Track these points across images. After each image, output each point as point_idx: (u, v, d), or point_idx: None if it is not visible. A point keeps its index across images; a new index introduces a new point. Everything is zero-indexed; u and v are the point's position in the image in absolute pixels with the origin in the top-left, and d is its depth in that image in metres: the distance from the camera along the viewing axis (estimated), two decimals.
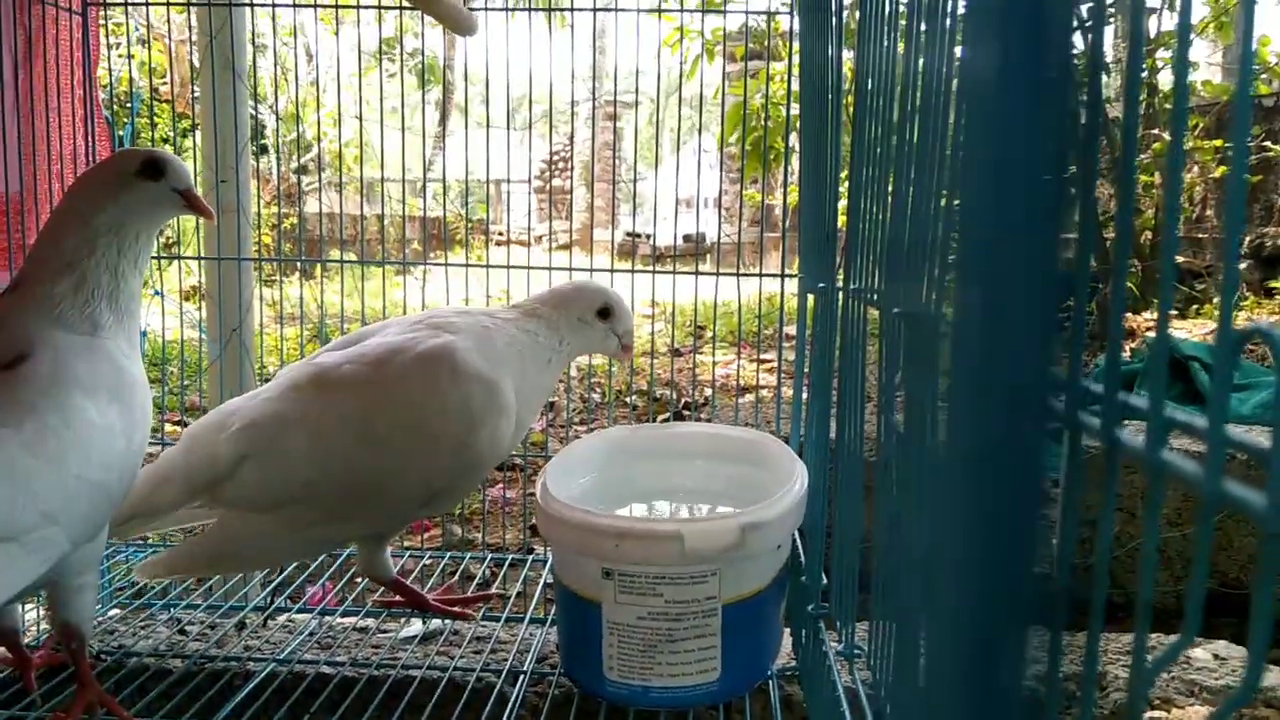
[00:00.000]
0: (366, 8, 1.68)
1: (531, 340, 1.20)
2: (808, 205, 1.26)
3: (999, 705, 0.34)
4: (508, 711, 1.09)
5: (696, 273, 1.71)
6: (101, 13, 1.46)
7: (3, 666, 1.10)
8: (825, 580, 1.01)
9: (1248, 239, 6.17)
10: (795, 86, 1.45)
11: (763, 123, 3.66)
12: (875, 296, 0.77)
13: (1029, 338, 0.32)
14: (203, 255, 1.81)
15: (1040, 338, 0.33)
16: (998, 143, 0.33)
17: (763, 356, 4.32)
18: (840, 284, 0.96)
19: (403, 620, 1.38)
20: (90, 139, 1.38)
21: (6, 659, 1.08)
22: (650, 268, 1.83)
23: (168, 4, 1.61)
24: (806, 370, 1.24)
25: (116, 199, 0.98)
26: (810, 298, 1.20)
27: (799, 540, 1.13)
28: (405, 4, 1.28)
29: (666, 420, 3.56)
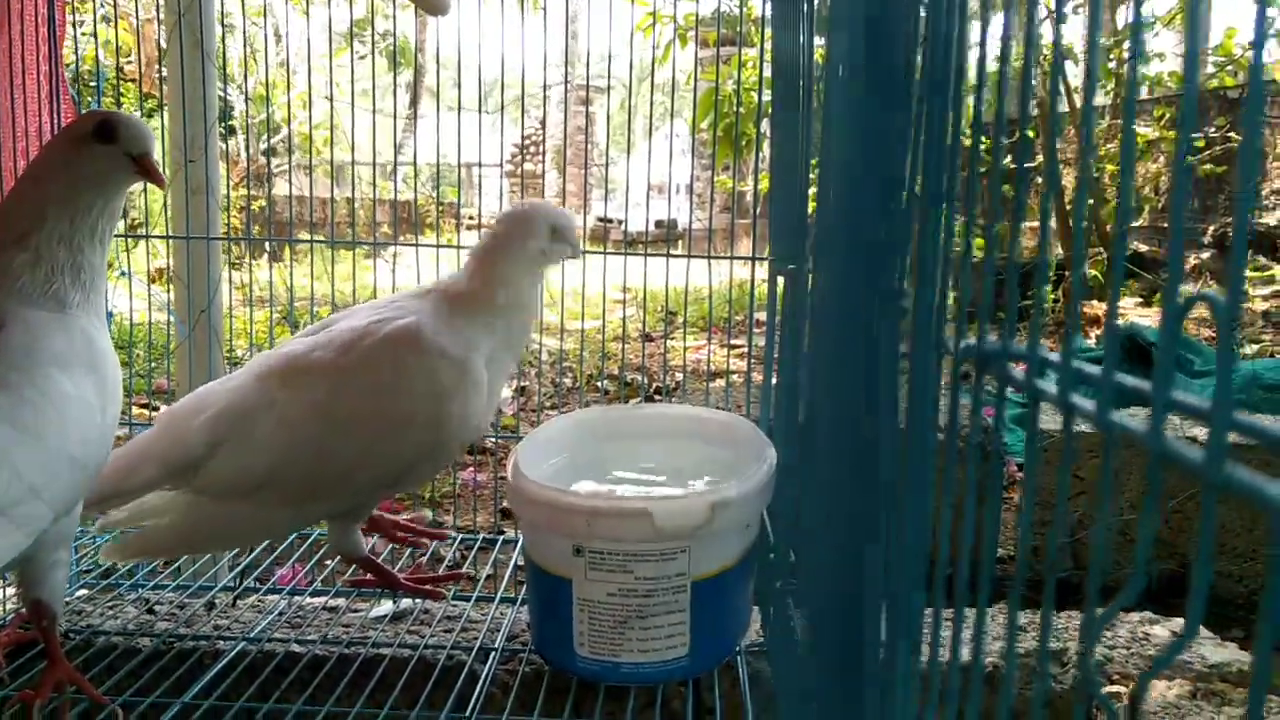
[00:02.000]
0: None
1: (496, 310, 1.18)
2: (778, 189, 1.27)
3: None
4: (478, 689, 1.10)
5: (668, 255, 1.72)
6: None
7: None
8: (793, 557, 1.03)
9: (1212, 228, 6.26)
10: (767, 73, 1.46)
11: (734, 109, 3.67)
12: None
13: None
14: (170, 235, 1.79)
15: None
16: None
17: (733, 342, 4.34)
18: (809, 266, 0.97)
19: (373, 600, 1.38)
20: (55, 116, 1.37)
21: None
22: (621, 251, 1.82)
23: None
24: (776, 354, 1.26)
25: (67, 165, 0.95)
26: (780, 280, 1.21)
27: (767, 519, 1.15)
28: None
29: (639, 403, 3.57)
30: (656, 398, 3.82)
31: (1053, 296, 4.70)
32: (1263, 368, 3.23)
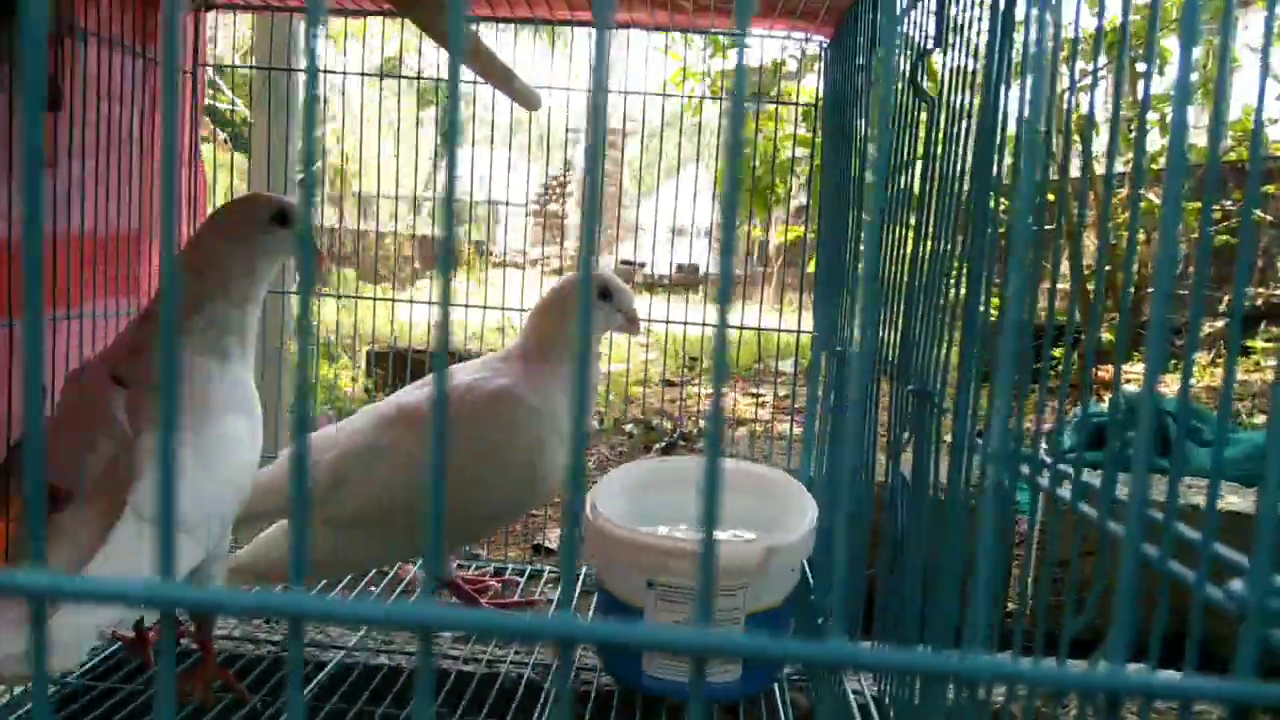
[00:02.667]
0: (434, 79, 1.83)
1: (565, 364, 1.36)
2: (824, 276, 1.45)
3: None
4: (547, 702, 1.27)
5: (722, 324, 1.88)
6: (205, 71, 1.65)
7: (124, 649, 1.26)
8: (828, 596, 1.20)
9: (1228, 298, 6.41)
10: (797, 128, 1.62)
11: (762, 162, 3.82)
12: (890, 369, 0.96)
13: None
14: (285, 291, 1.89)
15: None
16: None
17: (754, 390, 4.50)
18: (854, 348, 1.15)
19: None
20: (193, 179, 1.57)
21: (126, 638, 1.24)
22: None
23: (251, 67, 1.81)
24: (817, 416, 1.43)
25: (248, 243, 1.11)
26: (823, 355, 1.39)
27: (807, 567, 1.32)
28: (479, 79, 1.47)
29: (662, 449, 3.75)
30: (681, 444, 3.96)
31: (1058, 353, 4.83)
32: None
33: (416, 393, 1.34)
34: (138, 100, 1.44)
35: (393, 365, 3.69)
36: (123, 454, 0.99)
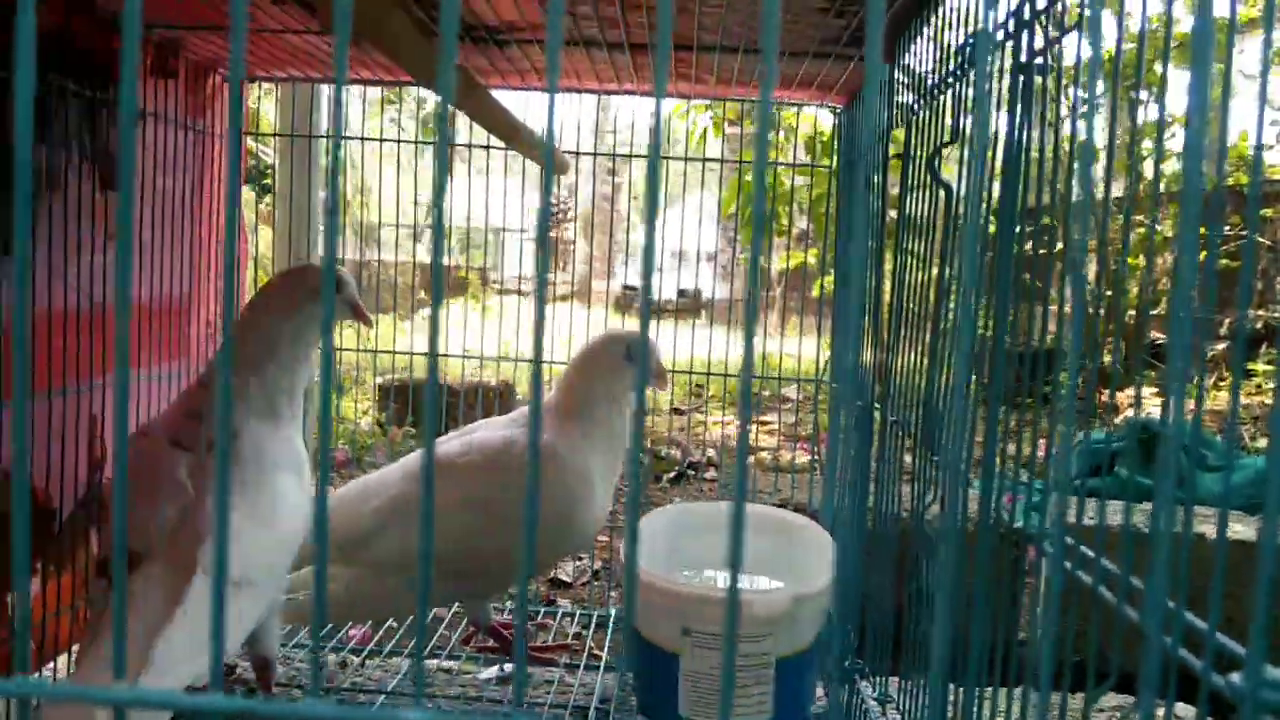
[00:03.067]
0: (475, 147, 1.88)
1: (595, 421, 1.43)
2: (840, 332, 1.52)
3: None
4: None
5: (748, 372, 1.96)
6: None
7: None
8: (855, 640, 1.26)
9: (1227, 321, 6.47)
10: (799, 156, 1.70)
11: (762, 193, 3.90)
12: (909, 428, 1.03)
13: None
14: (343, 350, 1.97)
15: None
16: None
17: (760, 419, 4.55)
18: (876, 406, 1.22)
19: (479, 664, 1.61)
20: (231, 240, 1.64)
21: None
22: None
23: (291, 135, 1.89)
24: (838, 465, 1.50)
25: (300, 311, 1.17)
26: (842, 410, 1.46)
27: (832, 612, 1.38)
28: (502, 146, 1.54)
29: (672, 479, 3.80)
30: (691, 473, 4.00)
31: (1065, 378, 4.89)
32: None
33: (454, 444, 1.41)
34: (187, 171, 1.51)
35: (411, 398, 3.77)
36: (189, 515, 1.06)
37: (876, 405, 1.25)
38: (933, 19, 1.04)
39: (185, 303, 1.54)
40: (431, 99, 1.88)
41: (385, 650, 1.69)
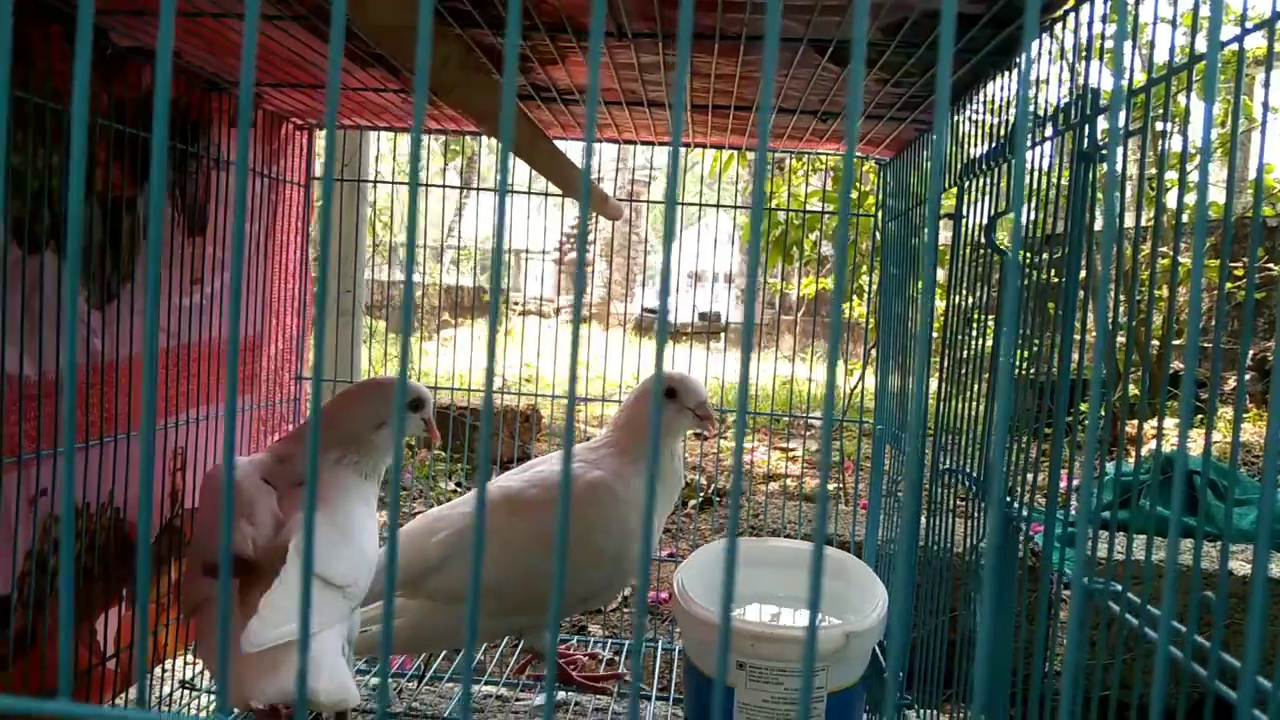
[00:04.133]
0: (538, 194, 1.98)
1: (644, 458, 1.49)
2: (885, 363, 1.58)
3: None
4: None
5: (781, 418, 2.01)
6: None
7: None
8: (901, 676, 1.31)
9: (1251, 352, 6.49)
10: (820, 183, 1.77)
11: (784, 219, 3.95)
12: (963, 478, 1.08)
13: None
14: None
15: None
16: None
17: (782, 445, 4.59)
18: (923, 452, 1.28)
19: (533, 691, 1.67)
20: (303, 283, 1.72)
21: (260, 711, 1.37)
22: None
23: (358, 180, 1.96)
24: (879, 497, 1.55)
25: (389, 421, 1.28)
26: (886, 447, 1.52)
27: (877, 648, 1.43)
28: (558, 193, 1.61)
29: (698, 504, 3.85)
30: (716, 499, 4.04)
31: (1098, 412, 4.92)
32: None
33: (517, 479, 1.47)
34: (261, 215, 1.59)
35: (443, 425, 3.84)
36: (279, 534, 1.14)
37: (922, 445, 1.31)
38: (985, 90, 1.11)
39: (258, 341, 1.62)
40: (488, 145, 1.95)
41: (445, 677, 1.75)
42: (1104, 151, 0.74)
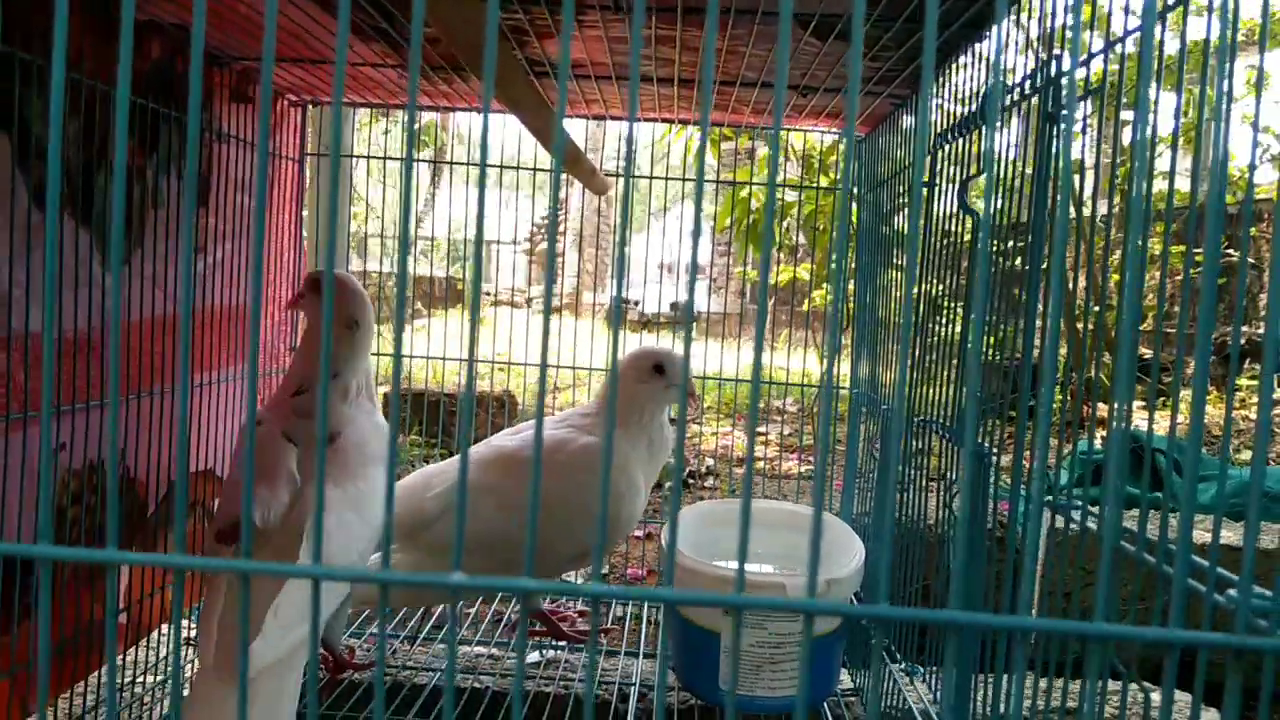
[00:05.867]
0: (520, 168, 2.02)
1: (638, 427, 1.55)
2: (862, 330, 1.65)
3: None
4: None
5: (742, 380, 2.09)
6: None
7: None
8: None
9: (1212, 336, 6.62)
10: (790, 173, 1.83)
11: (756, 207, 4.02)
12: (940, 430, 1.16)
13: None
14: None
15: None
16: None
17: (758, 430, 4.67)
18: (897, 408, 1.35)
19: (524, 650, 1.73)
20: (297, 255, 1.77)
21: (326, 660, 1.42)
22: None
23: (362, 156, 2.00)
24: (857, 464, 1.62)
25: (359, 320, 1.34)
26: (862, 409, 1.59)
27: (854, 599, 1.51)
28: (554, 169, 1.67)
29: (673, 488, 3.92)
30: (691, 481, 4.11)
31: (1060, 399, 5.05)
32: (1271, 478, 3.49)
33: (513, 439, 1.54)
34: (257, 190, 1.64)
35: (420, 409, 3.88)
36: (297, 501, 1.18)
37: (886, 409, 1.38)
38: (960, 60, 1.18)
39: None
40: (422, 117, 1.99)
41: (438, 638, 1.81)
42: (1065, 110, 0.81)
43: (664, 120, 1.71)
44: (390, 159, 1.94)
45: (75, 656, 1.29)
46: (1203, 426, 0.55)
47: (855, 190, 1.72)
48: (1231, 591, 0.49)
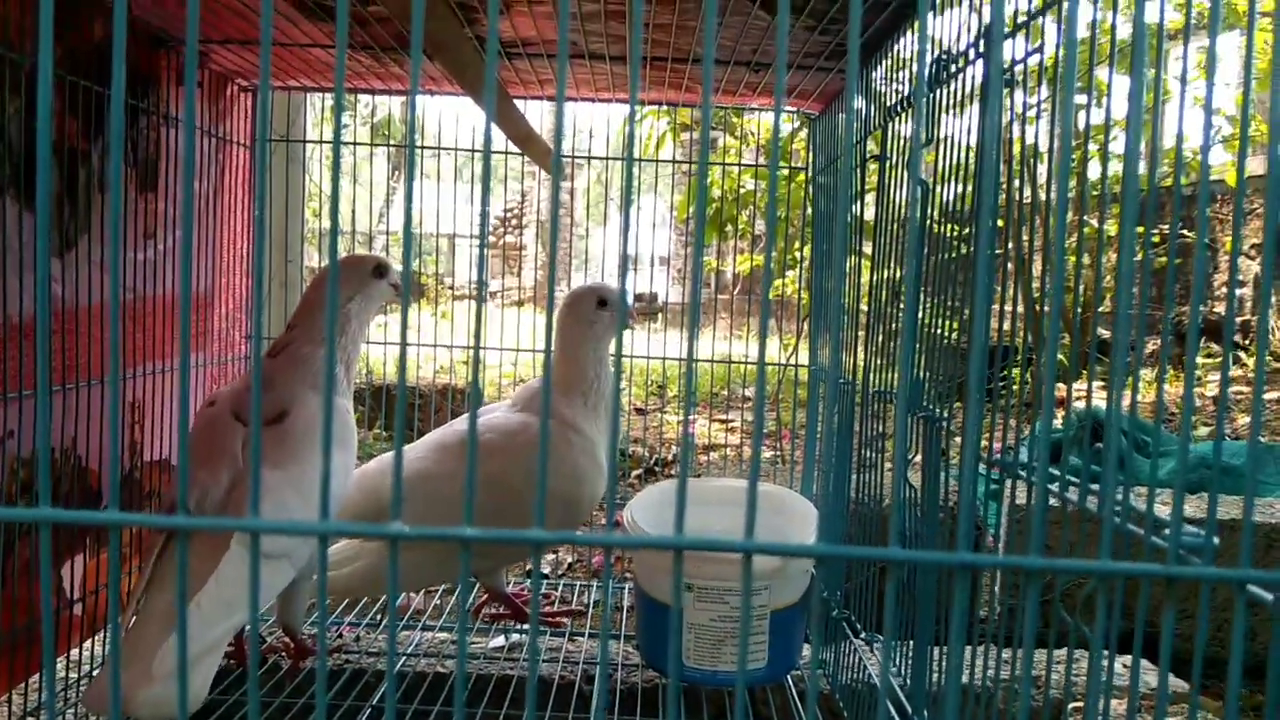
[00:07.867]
0: (456, 149, 2.02)
1: (593, 388, 1.54)
2: (819, 306, 1.66)
3: None
4: (594, 704, 1.46)
5: (707, 354, 2.09)
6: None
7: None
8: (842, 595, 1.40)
9: (1169, 316, 6.73)
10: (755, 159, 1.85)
11: (721, 194, 4.04)
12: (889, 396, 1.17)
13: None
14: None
15: None
16: None
17: (721, 417, 4.69)
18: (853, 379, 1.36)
19: (489, 634, 1.73)
20: (250, 242, 1.75)
21: (287, 646, 1.41)
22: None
23: (315, 141, 1.99)
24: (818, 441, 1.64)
25: (360, 290, 1.32)
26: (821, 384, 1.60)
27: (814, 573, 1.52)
28: (510, 149, 1.66)
29: (640, 475, 3.93)
30: (657, 470, 4.12)
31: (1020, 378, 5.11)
32: (1228, 452, 3.55)
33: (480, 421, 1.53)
34: (209, 175, 1.62)
35: (379, 402, 3.86)
36: (238, 484, 1.16)
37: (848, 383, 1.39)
38: (905, 38, 1.19)
39: (208, 298, 1.65)
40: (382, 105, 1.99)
41: (402, 622, 1.80)
42: (1007, 76, 0.82)
43: (619, 101, 1.71)
44: (346, 144, 1.92)
45: (29, 647, 1.27)
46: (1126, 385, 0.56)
47: (808, 173, 1.73)
48: (1166, 531, 0.51)
